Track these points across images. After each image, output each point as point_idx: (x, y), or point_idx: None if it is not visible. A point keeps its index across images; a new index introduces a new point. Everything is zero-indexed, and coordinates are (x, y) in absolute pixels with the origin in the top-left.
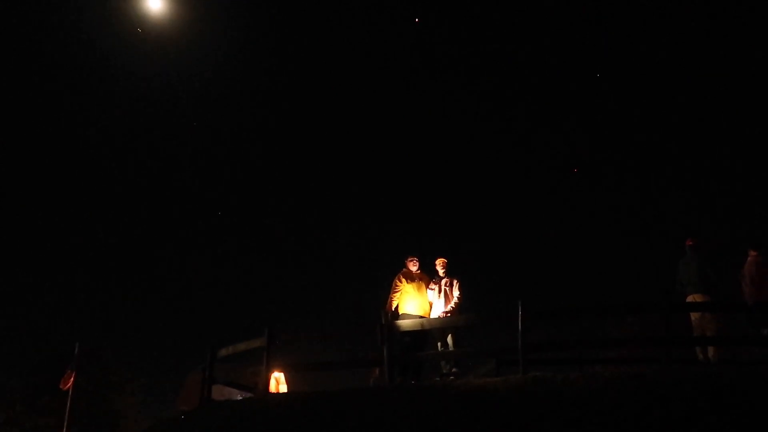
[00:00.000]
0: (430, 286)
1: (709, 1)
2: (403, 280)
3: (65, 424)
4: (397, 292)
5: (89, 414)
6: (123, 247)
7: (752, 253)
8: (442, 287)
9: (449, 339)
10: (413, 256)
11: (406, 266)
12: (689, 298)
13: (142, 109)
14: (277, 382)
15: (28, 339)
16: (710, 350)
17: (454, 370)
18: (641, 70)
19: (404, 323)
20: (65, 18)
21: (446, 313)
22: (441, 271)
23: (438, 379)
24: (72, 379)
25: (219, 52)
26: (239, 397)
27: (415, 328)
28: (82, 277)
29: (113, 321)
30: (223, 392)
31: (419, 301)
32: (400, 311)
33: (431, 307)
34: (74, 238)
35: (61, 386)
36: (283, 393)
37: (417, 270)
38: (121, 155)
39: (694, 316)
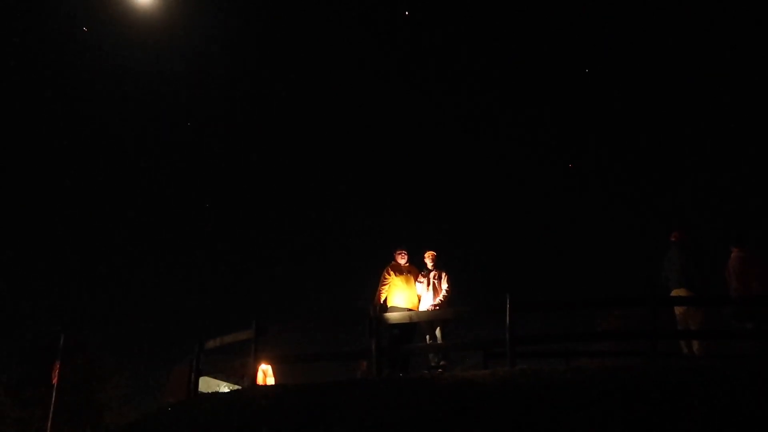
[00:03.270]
0: (418, 279)
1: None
2: (392, 272)
3: (50, 416)
4: (385, 284)
5: (74, 406)
6: (109, 238)
7: (735, 250)
8: (431, 280)
9: (437, 332)
10: (402, 249)
11: (394, 259)
12: (673, 293)
13: (130, 103)
14: (265, 375)
15: (12, 330)
16: (695, 344)
17: (442, 362)
18: (635, 66)
19: (392, 316)
20: (51, 11)
21: (435, 306)
22: (430, 264)
23: (426, 371)
24: (57, 370)
25: (208, 44)
26: (226, 389)
27: (404, 321)
28: (67, 269)
29: (99, 312)
30: (210, 384)
31: (408, 294)
32: (389, 304)
33: (420, 299)
34: (59, 229)
35: (53, 380)
36: (271, 385)
37: (406, 263)
38: (107, 147)
39: (678, 310)
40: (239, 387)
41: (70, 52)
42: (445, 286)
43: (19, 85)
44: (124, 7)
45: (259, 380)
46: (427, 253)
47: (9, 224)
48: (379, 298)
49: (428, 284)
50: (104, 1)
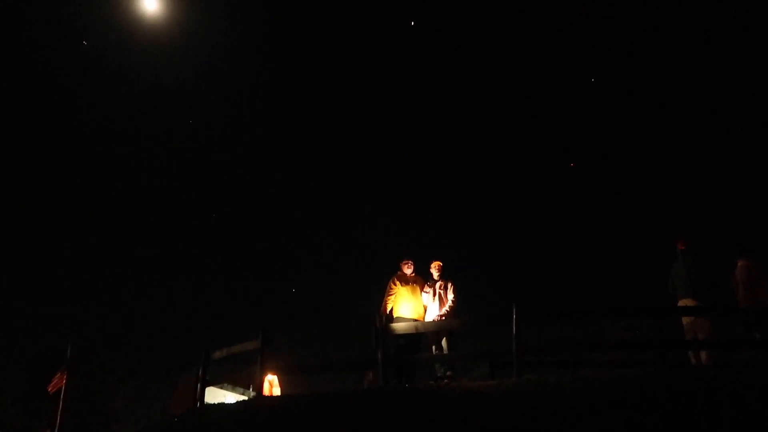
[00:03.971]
0: (424, 289)
1: (704, 3)
2: (398, 283)
3: (57, 425)
4: (391, 295)
5: (82, 415)
6: (116, 247)
7: (741, 260)
8: (437, 290)
9: (444, 342)
10: (408, 259)
11: (400, 269)
12: (681, 302)
13: (138, 109)
14: (271, 385)
15: (20, 339)
16: (703, 354)
17: (448, 373)
18: (639, 71)
19: (398, 326)
20: (60, 19)
21: (441, 316)
22: (436, 275)
23: (432, 382)
24: (64, 380)
25: (215, 51)
26: (232, 400)
27: (410, 331)
28: (75, 277)
29: (106, 321)
30: (216, 395)
31: (414, 304)
32: (395, 314)
33: (426, 310)
34: (67, 237)
35: (48, 389)
36: (277, 396)
37: (411, 273)
38: (115, 154)
39: (686, 319)
40: (246, 397)
41: (75, 61)
42: (451, 296)
43: (24, 93)
44: (131, 17)
45: (266, 391)
46: (433, 263)
47: (17, 235)
48: (385, 309)
49: (434, 294)
50: (112, 12)
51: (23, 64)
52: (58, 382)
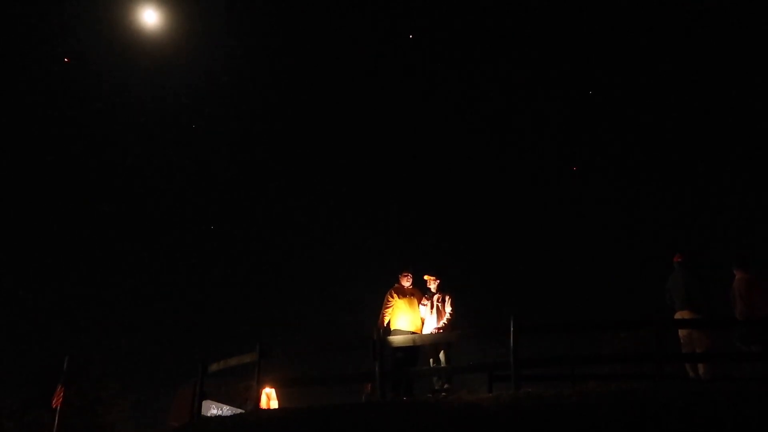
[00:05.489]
0: (422, 302)
1: (703, 11)
2: (396, 295)
3: None
4: (389, 307)
5: (79, 429)
6: (113, 260)
7: (738, 272)
8: (435, 303)
9: (441, 355)
10: (406, 272)
11: (398, 282)
12: (677, 315)
13: (140, 121)
14: (268, 398)
15: (16, 353)
16: (701, 367)
17: (446, 386)
18: (640, 79)
19: (396, 339)
20: (63, 32)
21: (438, 329)
22: (433, 287)
23: (430, 395)
24: (61, 394)
25: (216, 61)
26: (229, 413)
27: (407, 344)
28: (71, 291)
29: (103, 335)
30: (214, 408)
31: (411, 317)
32: (392, 327)
33: (423, 322)
34: (63, 250)
35: (53, 404)
36: (274, 409)
37: (410, 286)
38: (113, 168)
39: (682, 332)
40: (242, 410)
41: (64, 77)
42: (448, 308)
43: (14, 111)
44: (129, 31)
45: (263, 403)
46: (431, 275)
47: (14, 247)
48: (383, 321)
49: (432, 307)
50: (111, 26)
51: (17, 82)
52: (59, 397)
